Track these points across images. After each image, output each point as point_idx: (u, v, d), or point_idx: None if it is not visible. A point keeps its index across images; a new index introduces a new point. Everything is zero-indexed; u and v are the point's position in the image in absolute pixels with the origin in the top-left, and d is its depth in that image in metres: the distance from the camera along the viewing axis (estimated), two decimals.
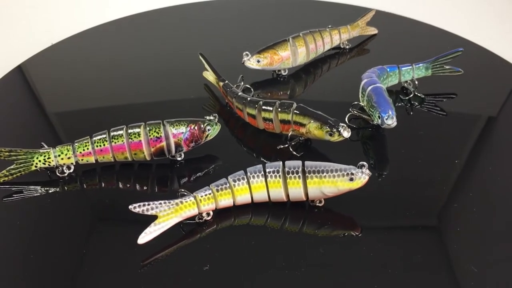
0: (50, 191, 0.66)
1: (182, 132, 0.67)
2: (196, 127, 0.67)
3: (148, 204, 0.57)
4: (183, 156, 0.69)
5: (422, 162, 0.70)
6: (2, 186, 0.66)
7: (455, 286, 0.56)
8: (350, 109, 0.76)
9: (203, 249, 0.59)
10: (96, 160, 0.67)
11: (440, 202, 0.65)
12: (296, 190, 0.61)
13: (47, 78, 0.90)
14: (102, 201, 0.65)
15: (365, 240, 0.60)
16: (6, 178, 0.65)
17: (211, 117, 0.69)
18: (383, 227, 0.63)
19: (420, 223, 0.63)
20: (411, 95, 0.80)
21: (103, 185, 0.67)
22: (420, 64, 0.80)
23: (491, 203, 0.65)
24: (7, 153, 0.65)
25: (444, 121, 0.77)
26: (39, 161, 0.65)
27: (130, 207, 0.57)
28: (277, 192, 0.61)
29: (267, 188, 0.61)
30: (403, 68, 0.80)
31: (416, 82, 0.80)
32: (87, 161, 0.66)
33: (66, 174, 0.67)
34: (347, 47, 0.93)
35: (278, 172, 0.61)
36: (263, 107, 0.71)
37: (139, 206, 0.57)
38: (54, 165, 0.66)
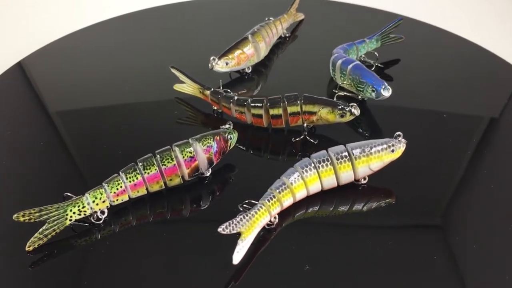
0: (87, 245, 0.60)
1: (211, 146, 0.65)
2: (221, 138, 0.66)
3: (232, 223, 0.55)
4: (210, 171, 0.67)
5: (423, 157, 0.71)
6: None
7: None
8: (334, 90, 0.80)
9: (287, 251, 0.59)
10: (129, 197, 0.62)
11: (442, 195, 0.67)
12: (347, 174, 0.63)
13: (47, 74, 0.89)
14: (153, 237, 0.61)
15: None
16: (41, 242, 0.58)
17: (227, 126, 0.68)
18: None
19: (420, 210, 0.65)
20: (373, 68, 0.87)
21: (135, 222, 0.62)
22: (372, 38, 0.87)
23: (493, 203, 0.65)
24: (37, 214, 0.57)
25: (444, 122, 0.77)
26: (73, 213, 0.59)
27: (219, 229, 0.55)
28: (330, 180, 0.63)
29: (320, 178, 0.63)
30: (359, 44, 0.86)
31: (377, 54, 0.87)
32: (122, 200, 0.62)
33: (102, 221, 0.61)
34: (287, 35, 0.96)
35: (328, 160, 0.62)
36: (269, 105, 0.71)
37: (226, 227, 0.55)
38: (89, 214, 0.60)
